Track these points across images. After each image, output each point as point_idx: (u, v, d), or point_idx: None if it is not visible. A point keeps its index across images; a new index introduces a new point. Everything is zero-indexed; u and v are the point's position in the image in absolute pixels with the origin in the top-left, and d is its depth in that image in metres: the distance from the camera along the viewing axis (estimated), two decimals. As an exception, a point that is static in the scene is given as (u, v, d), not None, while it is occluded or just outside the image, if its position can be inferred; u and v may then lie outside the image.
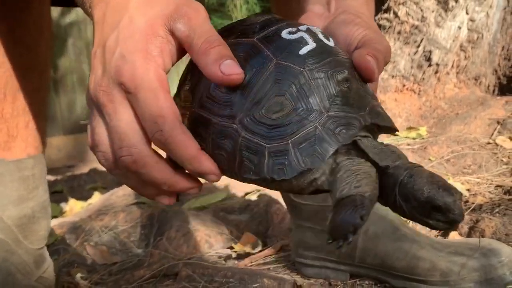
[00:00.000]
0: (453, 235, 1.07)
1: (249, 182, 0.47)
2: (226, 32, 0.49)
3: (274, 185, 0.47)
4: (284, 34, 0.47)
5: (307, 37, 0.48)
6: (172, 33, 0.46)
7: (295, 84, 0.45)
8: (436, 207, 0.41)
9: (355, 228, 0.40)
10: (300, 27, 0.48)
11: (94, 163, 2.85)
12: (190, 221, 1.27)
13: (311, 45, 0.47)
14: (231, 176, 0.48)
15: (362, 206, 0.41)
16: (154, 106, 0.43)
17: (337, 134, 0.44)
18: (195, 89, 0.48)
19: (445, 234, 1.12)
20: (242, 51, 0.47)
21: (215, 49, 0.44)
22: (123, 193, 1.61)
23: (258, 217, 1.25)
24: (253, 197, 1.43)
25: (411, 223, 1.19)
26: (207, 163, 0.46)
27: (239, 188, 1.49)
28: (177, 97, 0.51)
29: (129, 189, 1.65)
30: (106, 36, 0.46)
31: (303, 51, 0.46)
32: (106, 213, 1.48)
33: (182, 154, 0.45)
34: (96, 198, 1.83)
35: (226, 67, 0.44)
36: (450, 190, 0.42)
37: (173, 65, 0.48)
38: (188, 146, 0.45)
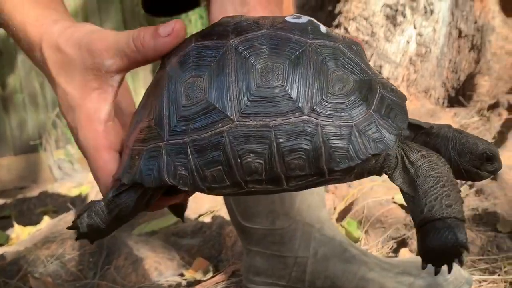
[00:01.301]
0: (403, 252, 1.08)
1: (334, 174, 0.44)
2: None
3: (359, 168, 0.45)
4: (289, 19, 0.48)
5: (314, 21, 0.48)
6: (106, 71, 0.49)
7: (342, 59, 0.45)
8: (489, 158, 0.46)
9: (460, 256, 0.43)
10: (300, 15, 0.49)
11: (45, 185, 2.74)
12: (139, 248, 1.22)
13: (323, 27, 0.48)
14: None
15: (462, 233, 0.42)
16: (92, 169, 0.51)
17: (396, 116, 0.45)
18: (159, 122, 0.48)
19: (395, 252, 1.13)
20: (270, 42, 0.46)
21: (142, 32, 0.48)
22: (72, 218, 1.54)
23: (211, 240, 1.23)
24: (207, 218, 1.40)
25: (364, 240, 1.19)
26: None
27: (192, 210, 1.45)
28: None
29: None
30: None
31: (323, 29, 0.47)
32: (53, 241, 1.41)
33: None
34: (45, 223, 1.75)
35: (163, 30, 0.47)
36: (492, 143, 0.48)
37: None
38: None
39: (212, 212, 1.41)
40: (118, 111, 0.54)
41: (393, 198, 1.31)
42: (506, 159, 1.39)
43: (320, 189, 0.94)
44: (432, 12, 1.98)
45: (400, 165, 0.46)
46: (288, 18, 0.47)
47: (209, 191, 0.46)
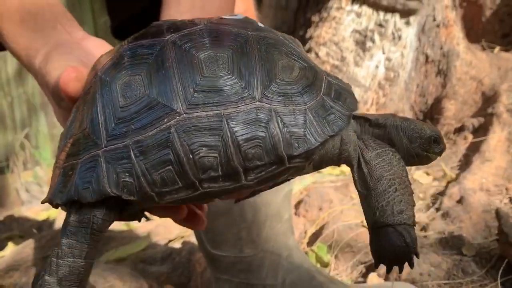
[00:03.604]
0: (372, 278, 1.09)
1: (293, 161, 0.42)
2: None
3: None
4: (225, 16, 0.47)
5: (250, 18, 0.47)
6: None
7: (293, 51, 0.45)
8: (436, 140, 0.48)
9: (410, 260, 0.44)
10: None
11: (12, 208, 2.66)
12: (106, 276, 1.19)
13: (260, 23, 0.48)
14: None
15: (411, 239, 0.43)
16: None
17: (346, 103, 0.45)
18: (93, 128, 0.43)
19: (364, 276, 1.13)
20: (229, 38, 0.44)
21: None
22: (37, 245, 1.50)
23: (180, 267, 1.21)
24: (176, 244, 1.38)
25: (333, 265, 1.19)
26: None
27: (162, 235, 1.43)
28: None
29: (44, 240, 1.54)
30: None
31: (260, 24, 0.46)
32: (17, 269, 1.37)
33: None
34: (10, 249, 1.70)
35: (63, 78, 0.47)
36: (434, 127, 0.50)
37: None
38: None
39: (182, 237, 1.39)
40: None
41: (362, 222, 1.32)
42: (471, 182, 1.43)
43: (288, 216, 0.95)
44: (400, 37, 2.03)
45: (357, 162, 0.46)
46: (223, 16, 0.47)
47: (160, 198, 0.41)
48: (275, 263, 0.91)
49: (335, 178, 1.66)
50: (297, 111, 0.42)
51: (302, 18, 2.16)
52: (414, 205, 0.45)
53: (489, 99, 1.95)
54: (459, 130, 1.84)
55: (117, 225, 1.64)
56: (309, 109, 0.42)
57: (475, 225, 1.23)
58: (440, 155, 0.50)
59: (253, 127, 0.40)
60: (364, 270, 1.16)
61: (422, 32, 2.08)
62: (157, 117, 0.40)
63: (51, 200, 0.44)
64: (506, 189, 1.40)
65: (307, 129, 0.42)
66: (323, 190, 1.48)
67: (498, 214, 1.07)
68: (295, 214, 1.44)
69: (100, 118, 0.42)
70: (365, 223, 1.32)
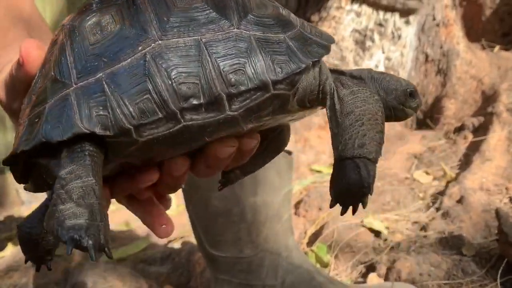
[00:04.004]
0: (372, 278, 1.09)
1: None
2: None
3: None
4: None
5: None
6: None
7: None
8: (411, 93, 0.48)
9: (363, 198, 0.41)
10: None
11: (11, 208, 2.66)
12: (107, 276, 1.19)
13: None
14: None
15: (368, 174, 0.40)
16: None
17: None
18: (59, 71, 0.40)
19: (364, 277, 1.13)
20: None
21: None
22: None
23: (180, 268, 1.21)
24: (176, 244, 1.38)
25: (333, 265, 1.19)
26: None
27: (162, 235, 1.43)
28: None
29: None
30: None
31: None
32: (16, 269, 1.37)
33: None
34: (10, 249, 1.70)
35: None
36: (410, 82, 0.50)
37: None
38: None
39: (181, 238, 1.39)
40: None
41: (362, 222, 1.32)
42: (471, 182, 1.43)
43: (288, 217, 0.95)
44: (399, 37, 2.03)
45: (331, 99, 0.45)
46: None
47: (138, 133, 0.38)
48: (274, 264, 0.91)
49: (335, 177, 1.66)
50: (277, 39, 0.41)
51: (302, 17, 2.15)
52: (380, 143, 0.43)
53: (489, 98, 1.95)
54: (459, 129, 1.84)
55: (117, 225, 1.64)
56: (289, 38, 0.41)
57: (475, 225, 1.23)
58: (416, 111, 0.49)
59: (233, 52, 0.39)
60: (364, 270, 1.16)
61: (422, 32, 2.07)
62: (131, 46, 0.38)
63: (15, 153, 0.39)
64: (506, 188, 1.40)
65: (289, 56, 0.40)
66: (323, 190, 1.48)
67: (498, 213, 1.07)
68: (295, 214, 1.44)
69: (69, 60, 0.39)
70: (365, 222, 1.32)
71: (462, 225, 1.23)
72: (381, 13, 1.99)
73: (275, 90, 0.40)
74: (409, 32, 2.05)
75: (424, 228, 1.28)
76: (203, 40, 0.38)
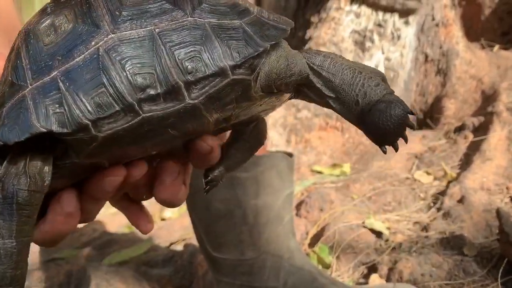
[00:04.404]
0: (374, 278, 1.09)
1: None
2: None
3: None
4: None
5: None
6: None
7: None
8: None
9: (407, 121, 0.41)
10: None
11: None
12: (109, 279, 1.20)
13: None
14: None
15: (402, 103, 0.41)
16: None
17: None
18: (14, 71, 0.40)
19: (366, 277, 1.14)
20: None
21: None
22: (39, 249, 1.50)
23: (182, 270, 1.21)
24: (178, 247, 1.38)
25: (335, 266, 1.20)
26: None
27: (164, 238, 1.44)
28: None
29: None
30: None
31: None
32: (19, 273, 1.37)
33: None
34: (13, 253, 1.70)
35: None
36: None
37: None
38: None
39: (183, 240, 1.40)
40: None
41: (363, 222, 1.32)
42: (472, 181, 1.43)
43: (289, 218, 0.95)
44: (399, 37, 2.04)
45: (310, 70, 0.44)
46: None
47: (96, 128, 0.37)
48: (276, 265, 0.91)
49: (336, 179, 1.66)
50: (233, 25, 0.41)
51: (301, 18, 2.16)
52: (383, 77, 0.44)
53: (489, 98, 1.95)
54: (459, 129, 1.84)
55: (119, 228, 1.64)
56: (245, 23, 0.41)
57: (476, 225, 1.23)
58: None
59: (188, 40, 0.38)
60: (365, 271, 1.16)
61: (421, 32, 2.08)
62: (84, 42, 0.38)
63: None
64: (507, 188, 1.40)
65: (246, 40, 0.40)
66: (324, 191, 1.49)
67: (498, 213, 1.07)
68: (296, 215, 1.44)
69: (24, 62, 0.39)
70: (366, 223, 1.33)
71: (463, 225, 1.23)
72: (380, 13, 2.00)
73: (234, 75, 0.40)
74: (409, 33, 2.05)
75: (425, 228, 1.28)
76: (157, 30, 0.38)
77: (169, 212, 1.61)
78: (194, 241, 1.36)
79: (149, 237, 1.45)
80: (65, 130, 0.37)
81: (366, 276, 1.15)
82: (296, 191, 1.55)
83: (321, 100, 0.46)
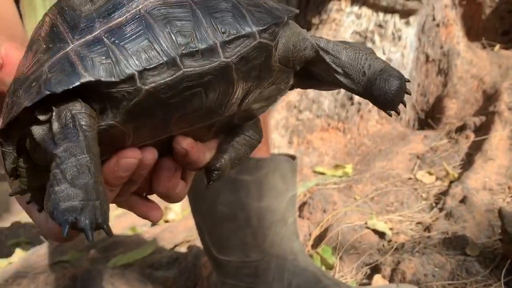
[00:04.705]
0: (377, 279, 1.10)
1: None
2: None
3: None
4: None
5: None
6: None
7: None
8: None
9: (404, 91, 0.47)
10: None
11: (17, 215, 2.68)
12: (114, 281, 1.21)
13: None
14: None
15: (399, 72, 0.47)
16: None
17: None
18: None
19: (369, 278, 1.14)
20: None
21: None
22: (44, 252, 1.52)
23: (186, 272, 1.22)
24: (182, 248, 1.39)
25: (338, 267, 1.20)
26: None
27: (167, 240, 1.45)
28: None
29: (52, 246, 1.56)
30: None
31: None
32: (25, 276, 1.38)
33: None
34: (18, 255, 1.71)
35: None
36: None
37: None
38: None
39: (187, 242, 1.41)
40: None
41: (366, 223, 1.33)
42: (474, 181, 1.44)
43: (293, 220, 0.96)
44: (400, 38, 2.04)
45: (320, 49, 0.49)
46: None
47: (143, 80, 0.39)
48: (280, 267, 0.92)
49: (338, 180, 1.67)
50: (255, 2, 0.45)
51: (302, 20, 2.17)
52: (373, 51, 0.50)
53: (490, 98, 1.96)
54: (461, 129, 1.85)
55: (123, 230, 1.65)
56: (263, 2, 0.46)
57: (478, 225, 1.24)
58: None
59: (221, 8, 0.43)
60: (368, 272, 1.17)
61: (422, 32, 2.08)
62: (124, 6, 0.41)
63: (10, 120, 0.39)
64: (509, 187, 1.41)
65: (267, 13, 0.45)
66: (326, 192, 1.49)
67: (501, 213, 1.08)
68: (299, 216, 1.45)
69: (62, 28, 0.41)
70: (369, 224, 1.33)
71: (465, 225, 1.24)
72: (381, 14, 2.00)
73: (261, 38, 0.44)
74: (409, 33, 2.06)
75: (427, 228, 1.29)
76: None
77: (173, 214, 1.62)
78: (198, 243, 1.37)
79: (153, 239, 1.46)
80: (112, 79, 0.38)
81: (369, 277, 1.15)
82: (298, 193, 1.55)
83: (328, 77, 0.50)
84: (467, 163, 1.61)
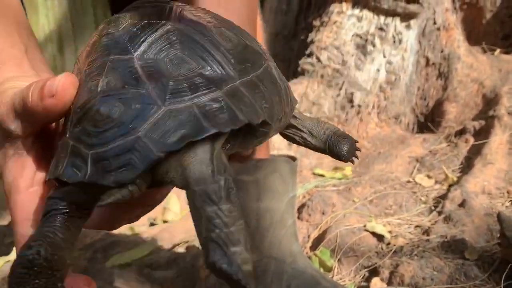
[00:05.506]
0: (375, 282, 1.10)
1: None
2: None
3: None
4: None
5: None
6: (15, 136, 0.44)
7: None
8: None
9: (356, 149, 0.57)
10: None
11: (16, 213, 2.67)
12: (113, 281, 1.20)
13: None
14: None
15: (349, 135, 0.57)
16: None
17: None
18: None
19: (368, 281, 1.14)
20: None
21: (31, 91, 0.41)
22: (42, 251, 1.51)
23: (185, 273, 1.22)
24: (181, 249, 1.39)
25: (337, 269, 1.20)
26: None
27: (166, 240, 1.44)
28: None
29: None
30: None
31: None
32: (22, 275, 1.38)
33: None
34: (15, 254, 1.71)
35: (48, 89, 0.40)
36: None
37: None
38: None
39: (186, 242, 1.40)
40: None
41: (365, 226, 1.33)
42: (473, 185, 1.44)
43: (292, 222, 0.96)
44: (400, 41, 2.05)
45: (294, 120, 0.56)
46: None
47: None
48: (279, 269, 0.92)
49: (338, 182, 1.67)
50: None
51: (303, 22, 2.17)
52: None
53: (490, 102, 1.96)
54: (460, 133, 1.85)
55: (121, 230, 1.65)
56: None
57: (477, 229, 1.24)
58: None
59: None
60: (367, 275, 1.17)
61: (422, 36, 2.09)
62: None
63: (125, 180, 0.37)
64: (508, 192, 1.41)
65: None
66: (325, 194, 1.49)
67: (499, 217, 1.08)
68: (298, 218, 1.45)
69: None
70: (368, 227, 1.34)
71: (464, 229, 1.24)
72: (382, 17, 2.00)
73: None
74: (410, 36, 2.06)
75: (426, 232, 1.29)
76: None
77: (171, 215, 1.62)
78: (197, 243, 1.37)
79: (152, 239, 1.46)
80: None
81: (368, 280, 1.15)
82: (298, 194, 1.55)
83: (300, 136, 0.57)
84: (466, 167, 1.62)
